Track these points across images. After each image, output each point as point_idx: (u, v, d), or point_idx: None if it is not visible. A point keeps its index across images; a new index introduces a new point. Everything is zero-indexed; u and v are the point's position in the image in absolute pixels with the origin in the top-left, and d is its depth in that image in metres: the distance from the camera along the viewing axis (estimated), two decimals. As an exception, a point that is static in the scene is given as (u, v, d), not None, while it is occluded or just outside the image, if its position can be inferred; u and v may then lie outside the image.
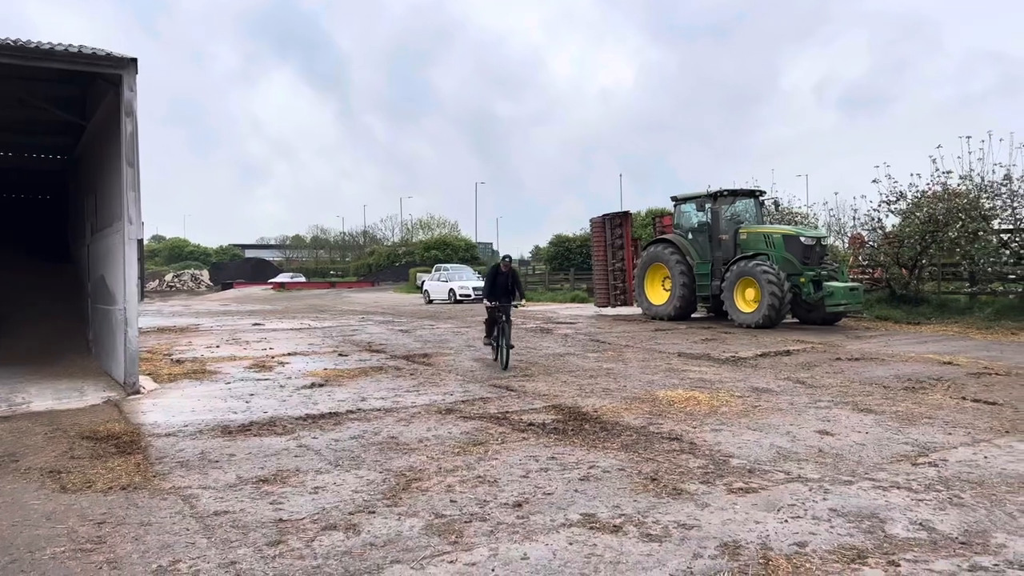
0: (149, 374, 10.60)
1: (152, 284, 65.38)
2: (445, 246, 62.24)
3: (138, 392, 9.19)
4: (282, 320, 22.72)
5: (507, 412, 7.87)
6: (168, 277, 70.00)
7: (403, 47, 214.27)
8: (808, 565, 3.87)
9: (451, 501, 4.99)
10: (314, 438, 6.84)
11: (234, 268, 78.43)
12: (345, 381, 10.07)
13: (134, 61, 9.28)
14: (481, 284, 34.61)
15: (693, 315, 19.87)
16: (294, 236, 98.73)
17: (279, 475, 5.65)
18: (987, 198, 18.76)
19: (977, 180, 18.88)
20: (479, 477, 5.53)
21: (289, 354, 13.24)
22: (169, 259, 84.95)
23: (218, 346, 14.99)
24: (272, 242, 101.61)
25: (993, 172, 18.61)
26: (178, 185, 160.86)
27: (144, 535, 4.41)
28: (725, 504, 4.85)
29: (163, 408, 8.32)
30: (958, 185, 19.21)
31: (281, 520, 4.65)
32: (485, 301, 11.78)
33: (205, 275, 73.50)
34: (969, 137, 19.10)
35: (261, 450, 6.42)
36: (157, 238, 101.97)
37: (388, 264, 68.11)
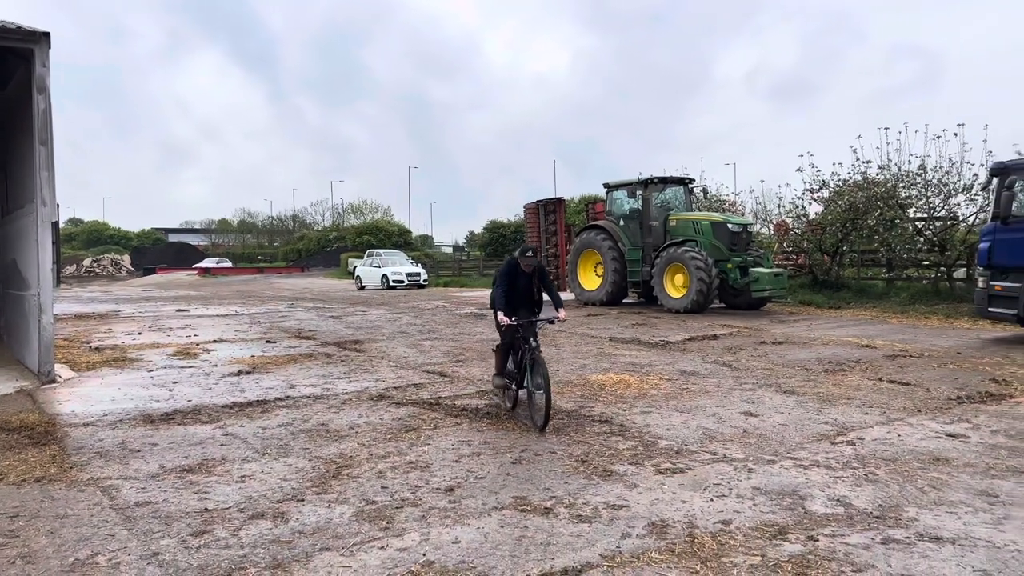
0: (66, 362, 10.16)
1: (69, 269, 62.64)
2: (378, 231, 61.51)
3: (54, 381, 8.80)
4: (208, 306, 22.09)
5: (440, 398, 7.84)
6: (86, 262, 67.13)
7: (335, 28, 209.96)
8: (732, 542, 3.98)
9: (382, 487, 4.95)
10: (241, 426, 6.68)
11: (157, 253, 75.86)
12: (273, 368, 9.86)
13: (47, 35, 8.81)
14: (415, 270, 34.61)
15: (624, 300, 20.16)
16: (220, 220, 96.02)
17: (204, 464, 5.50)
18: (903, 187, 19.56)
19: (894, 170, 19.68)
20: (411, 463, 5.50)
21: (215, 341, 12.89)
22: (87, 243, 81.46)
23: (140, 333, 14.48)
24: (197, 226, 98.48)
25: (909, 162, 19.44)
26: (96, 167, 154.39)
27: (60, 528, 4.23)
28: (653, 484, 4.95)
29: (81, 397, 7.99)
30: (877, 175, 19.99)
31: (206, 510, 4.53)
32: (499, 316, 6.87)
33: (126, 260, 70.79)
34: (887, 128, 19.89)
35: (185, 439, 6.24)
36: (74, 221, 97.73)
37: (319, 249, 66.95)
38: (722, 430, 6.42)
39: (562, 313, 7.11)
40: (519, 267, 7.04)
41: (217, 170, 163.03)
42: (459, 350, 11.44)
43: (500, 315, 6.80)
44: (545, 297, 7.28)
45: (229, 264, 65.98)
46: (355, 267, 37.44)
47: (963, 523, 4.26)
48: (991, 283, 11.90)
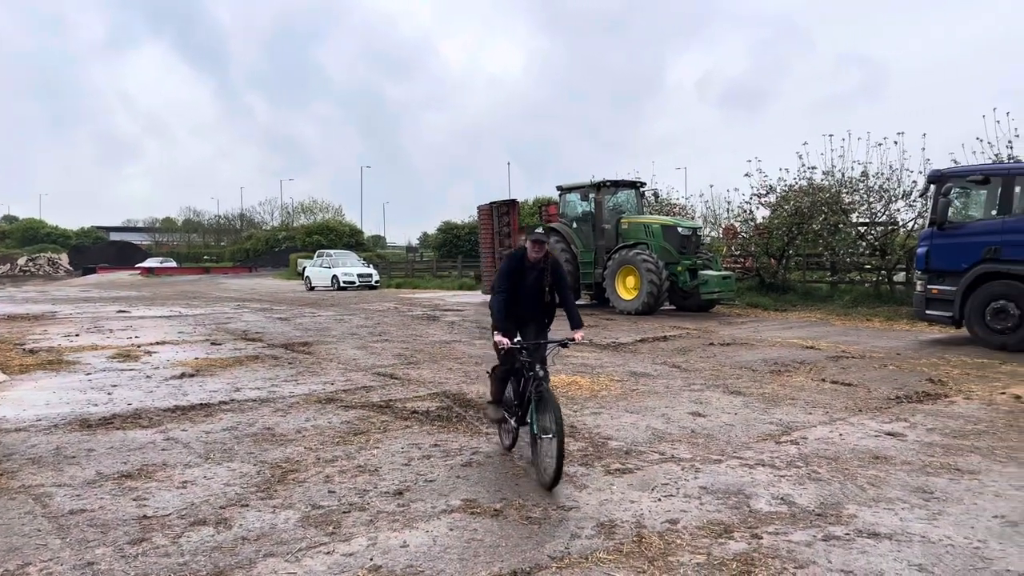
0: (-2, 365, 9.78)
1: (2, 269, 60.42)
2: (328, 231, 60.70)
3: (-16, 385, 8.46)
4: (150, 307, 21.52)
5: (390, 400, 7.76)
6: (21, 261, 64.79)
7: (287, 24, 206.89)
8: (679, 541, 4.02)
9: (329, 491, 4.88)
10: (183, 430, 6.51)
11: (97, 252, 73.57)
12: (218, 371, 9.64)
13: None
14: (367, 271, 34.19)
15: (577, 302, 20.24)
16: (165, 219, 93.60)
17: (144, 470, 5.34)
18: (847, 193, 20.10)
19: (838, 176, 20.20)
20: (359, 466, 5.43)
21: (157, 343, 12.55)
22: (23, 242, 78.53)
23: (78, 335, 14.02)
24: (140, 224, 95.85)
25: (852, 168, 19.99)
26: (33, 162, 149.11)
27: (-13, 539, 4.06)
28: (603, 485, 4.97)
29: (12, 401, 7.69)
30: (821, 180, 20.50)
31: (145, 517, 4.40)
32: (496, 336, 5.29)
33: (64, 259, 68.54)
34: (831, 135, 20.42)
35: (124, 444, 6.05)
36: (8, 219, 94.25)
37: (267, 249, 65.81)
38: (671, 430, 6.49)
39: (579, 334, 5.32)
40: (525, 261, 5.37)
41: (161, 167, 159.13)
42: (411, 352, 11.36)
43: (497, 335, 5.13)
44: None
45: (173, 264, 64.41)
46: (304, 268, 36.89)
47: (900, 519, 4.37)
48: (928, 286, 12.28)
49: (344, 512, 4.50)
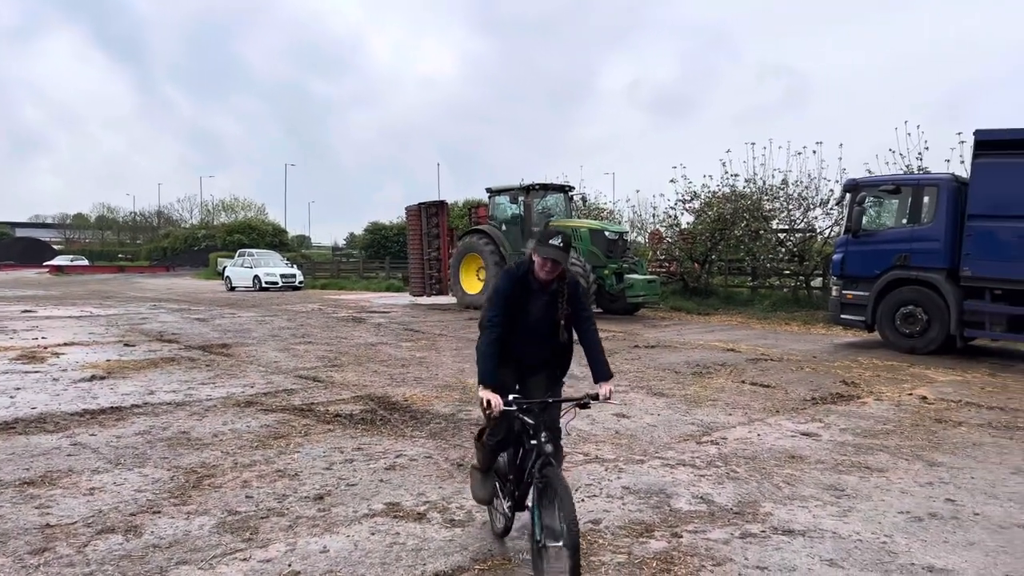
0: None
1: None
2: (250, 230, 59.03)
3: None
4: (59, 307, 20.52)
5: (313, 404, 7.59)
6: (-83, 257, 60.96)
7: (210, 16, 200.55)
8: (601, 541, 4.05)
9: (247, 497, 4.73)
10: (92, 435, 6.21)
11: (1, 249, 69.82)
12: (131, 373, 9.25)
13: None
14: (290, 271, 33.54)
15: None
16: (76, 215, 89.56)
17: (48, 477, 5.07)
18: (767, 200, 20.79)
19: (759, 183, 20.89)
20: (279, 471, 5.28)
21: (65, 344, 11.97)
22: (-81, 238, 73.98)
23: (-21, 335, 13.24)
24: (50, 220, 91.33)
25: (773, 176, 20.70)
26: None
27: None
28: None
29: (-97, 406, 7.19)
30: (743, 188, 21.15)
31: (48, 525, 4.17)
32: (481, 392, 3.59)
33: (-36, 256, 64.74)
34: (753, 144, 21.10)
35: (27, 450, 5.73)
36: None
37: (186, 248, 63.63)
38: (595, 432, 6.55)
39: (606, 388, 3.74)
40: (529, 280, 3.73)
41: (73, 160, 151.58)
42: (335, 354, 11.14)
43: (482, 391, 3.54)
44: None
45: (85, 262, 61.61)
46: (225, 267, 35.82)
47: (813, 516, 4.52)
48: (843, 292, 12.80)
49: (262, 518, 4.37)
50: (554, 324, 3.74)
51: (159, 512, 4.43)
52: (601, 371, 3.79)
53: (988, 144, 11.02)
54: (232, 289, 31.86)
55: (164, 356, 10.74)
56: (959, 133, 16.99)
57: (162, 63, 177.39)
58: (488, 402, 3.48)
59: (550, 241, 3.58)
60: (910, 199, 12.21)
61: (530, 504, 3.55)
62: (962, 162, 15.80)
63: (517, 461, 3.79)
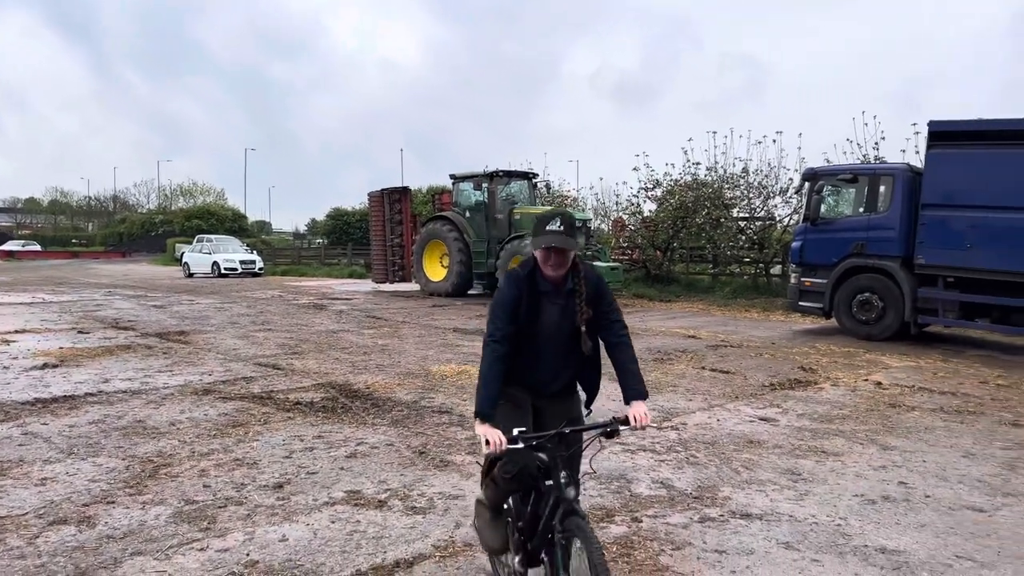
0: None
1: None
2: (209, 216, 57.95)
3: None
4: (9, 293, 19.95)
5: (272, 391, 7.49)
6: None
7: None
8: (563, 527, 4.06)
9: (204, 486, 4.65)
10: (44, 424, 6.05)
11: (-50, 234, 67.62)
12: (85, 361, 9.03)
13: None
14: (250, 257, 33.08)
15: (470, 291, 20.27)
16: (28, 199, 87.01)
17: (-4, 468, 4.93)
18: (728, 189, 21.01)
19: (720, 172, 21.09)
20: (237, 460, 5.21)
21: (17, 331, 11.64)
22: None
23: (-76, 322, 12.81)
24: (0, 205, 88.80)
25: (733, 165, 20.91)
26: None
27: None
28: (489, 473, 4.96)
29: None
30: (705, 176, 21.33)
31: (-4, 518, 4.05)
32: (478, 427, 2.78)
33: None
34: (715, 132, 21.29)
35: (-26, 440, 5.57)
36: None
37: (143, 234, 62.25)
38: (558, 418, 6.56)
39: (639, 410, 2.92)
40: (536, 280, 3.01)
41: (23, 143, 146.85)
42: (295, 342, 11.01)
43: (479, 425, 2.79)
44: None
45: (38, 247, 59.98)
46: (183, 253, 35.14)
47: (770, 500, 4.59)
48: (802, 279, 13.00)
49: (220, 507, 4.31)
50: (573, 332, 3.00)
51: (113, 502, 4.34)
52: (633, 388, 2.98)
53: (941, 135, 11.24)
54: (190, 275, 31.30)
55: (119, 344, 10.51)
56: (914, 124, 17.37)
57: (117, 44, 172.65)
58: (489, 438, 2.68)
59: (547, 227, 2.84)
60: (867, 188, 12.42)
61: (545, 558, 2.87)
62: (917, 152, 16.14)
63: (529, 508, 2.99)
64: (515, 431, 2.75)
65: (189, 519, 4.11)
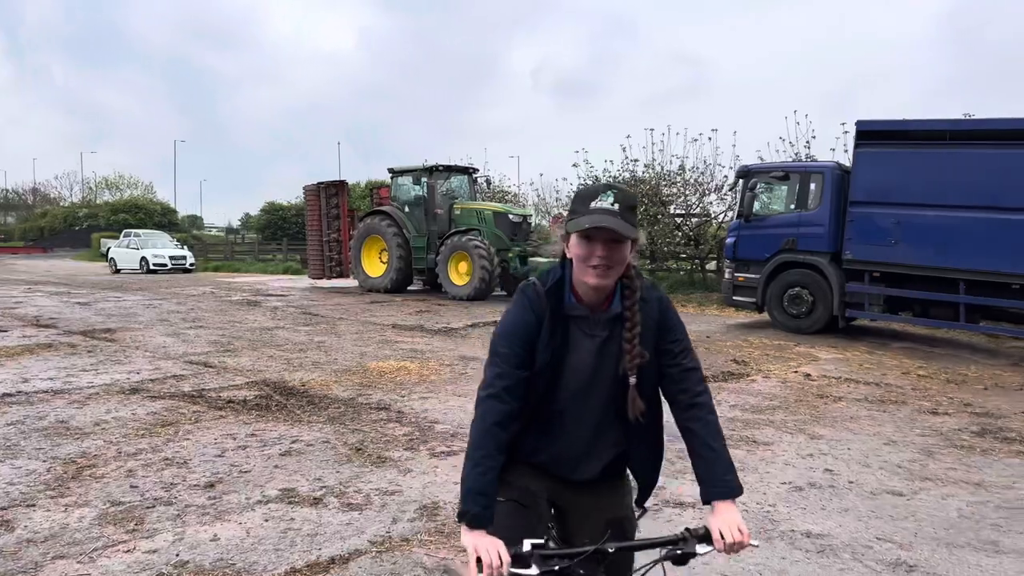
0: None
1: None
2: (137, 209, 56.03)
3: None
4: (-77, 290, 18.95)
5: (204, 390, 7.29)
6: None
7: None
8: (501, 519, 4.07)
9: (132, 487, 4.51)
10: (-43, 426, 5.76)
11: None
12: (3, 360, 8.63)
13: None
14: (181, 253, 32.10)
15: (409, 288, 20.13)
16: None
17: (-96, 472, 4.67)
18: (665, 186, 21.36)
19: (658, 169, 21.42)
20: (167, 459, 5.06)
21: (-71, 330, 11.06)
22: None
23: None
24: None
25: (671, 162, 21.26)
26: None
27: None
28: (427, 468, 4.95)
29: None
30: (643, 173, 21.64)
31: (-97, 525, 3.84)
32: (464, 537, 1.77)
33: None
34: (652, 130, 21.62)
35: None
36: None
37: (65, 228, 59.87)
38: (496, 412, 6.57)
39: (729, 519, 1.93)
40: (565, 293, 1.98)
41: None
42: (228, 339, 10.75)
43: (466, 534, 1.78)
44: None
45: (-49, 242, 57.17)
46: (109, 248, 33.93)
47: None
48: (735, 275, 13.31)
49: (148, 507, 4.18)
50: (619, 384, 1.96)
51: (34, 505, 4.17)
52: (718, 480, 1.98)
53: (869, 134, 11.65)
54: (117, 271, 30.25)
55: (40, 342, 10.08)
56: (843, 123, 17.97)
57: (36, 29, 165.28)
58: (479, 559, 1.71)
59: (595, 203, 1.84)
60: (798, 186, 12.79)
61: None
62: (846, 151, 16.68)
63: None
64: (526, 545, 1.73)
65: (115, 521, 3.98)
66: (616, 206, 1.84)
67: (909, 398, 7.64)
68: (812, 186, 12.59)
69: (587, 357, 1.97)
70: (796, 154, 18.97)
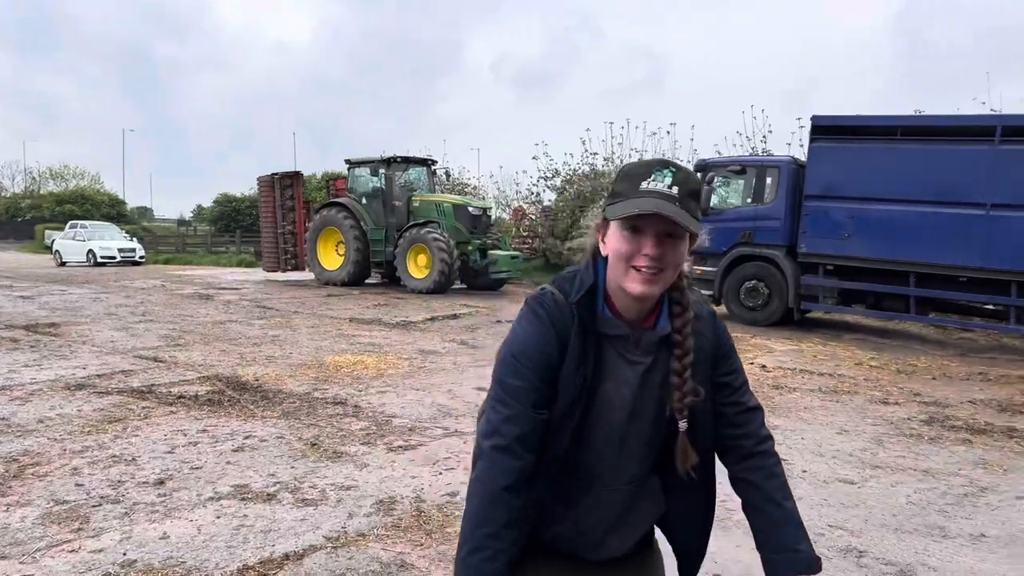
0: None
1: None
2: (84, 200, 54.31)
3: None
4: None
5: (153, 385, 7.10)
6: None
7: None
8: (456, 512, 4.03)
9: (77, 485, 4.36)
10: None
11: None
12: (-58, 355, 8.31)
13: None
14: (130, 245, 31.32)
15: (367, 281, 19.92)
16: None
17: None
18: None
19: (618, 162, 21.54)
20: (114, 456, 4.90)
21: None
22: None
23: None
24: None
25: (630, 156, 21.40)
26: None
27: None
28: (384, 463, 4.88)
29: None
30: (602, 166, 21.75)
31: None
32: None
33: None
34: (612, 123, 21.76)
35: None
36: None
37: (7, 219, 57.88)
38: (456, 406, 6.53)
39: None
40: (598, 305, 1.50)
41: None
42: (178, 333, 10.49)
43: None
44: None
45: None
46: (54, 240, 32.93)
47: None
48: (694, 267, 13.38)
49: (94, 506, 4.04)
50: (664, 430, 1.55)
51: (-29, 506, 4.01)
52: (786, 546, 1.55)
53: (824, 129, 11.86)
54: (63, 264, 29.38)
55: (-19, 336, 9.73)
56: (799, 118, 18.27)
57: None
58: None
59: (647, 183, 1.43)
60: (754, 179, 12.96)
61: None
62: (801, 145, 16.98)
63: None
64: None
65: (59, 520, 3.84)
66: (675, 189, 1.42)
67: (861, 388, 7.79)
68: (768, 180, 12.77)
69: (625, 391, 1.50)
70: (753, 148, 19.27)
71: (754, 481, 1.58)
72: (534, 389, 1.46)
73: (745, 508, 1.60)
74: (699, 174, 13.51)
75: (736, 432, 1.60)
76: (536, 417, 1.46)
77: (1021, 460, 5.43)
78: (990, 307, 11.52)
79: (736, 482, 1.61)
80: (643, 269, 1.42)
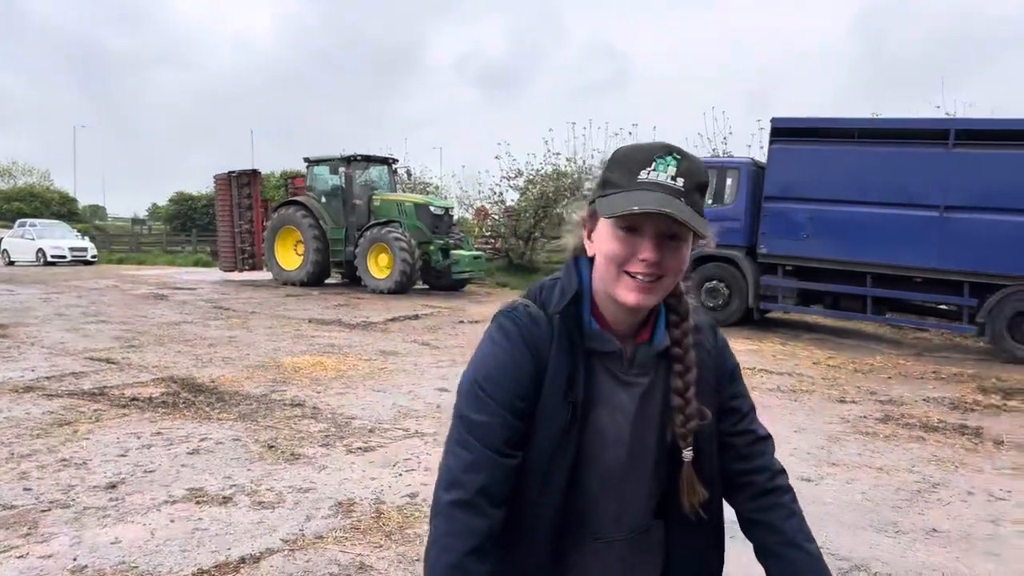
0: None
1: None
2: (32, 198, 52.81)
3: None
4: None
5: (105, 387, 6.91)
6: None
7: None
8: (417, 513, 4.00)
9: (25, 489, 4.23)
10: None
11: None
12: None
13: None
14: (81, 244, 30.49)
15: (327, 281, 19.70)
16: None
17: None
18: (588, 180, 21.60)
19: (580, 163, 21.66)
20: (64, 460, 4.76)
21: None
22: None
23: None
24: None
25: (592, 156, 21.53)
26: None
27: None
28: (343, 464, 4.82)
29: None
30: (565, 167, 21.83)
31: None
32: None
33: None
34: (575, 123, 21.85)
35: None
36: None
37: (-47, 218, 56.15)
38: (416, 407, 6.48)
39: None
40: (583, 317, 1.27)
41: None
42: (132, 334, 10.24)
43: None
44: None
45: None
46: (1, 239, 31.99)
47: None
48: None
49: (43, 511, 3.93)
50: (665, 462, 1.33)
51: (-90, 513, 3.85)
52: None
53: (783, 131, 12.04)
54: (11, 263, 28.54)
55: (-77, 338, 9.39)
56: (759, 120, 18.54)
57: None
58: None
59: (647, 172, 1.18)
60: (714, 181, 13.10)
61: None
62: (761, 147, 17.22)
63: None
64: None
65: (6, 525, 3.72)
66: (680, 181, 1.18)
67: (819, 387, 7.93)
68: (728, 181, 12.92)
69: (621, 419, 1.26)
70: (714, 150, 19.51)
71: (771, 523, 1.35)
72: (504, 426, 1.21)
73: (761, 554, 1.35)
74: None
75: (747, 467, 1.37)
76: (506, 463, 1.20)
77: (972, 456, 5.58)
78: (944, 307, 11.82)
79: (749, 525, 1.38)
80: (639, 276, 1.18)
